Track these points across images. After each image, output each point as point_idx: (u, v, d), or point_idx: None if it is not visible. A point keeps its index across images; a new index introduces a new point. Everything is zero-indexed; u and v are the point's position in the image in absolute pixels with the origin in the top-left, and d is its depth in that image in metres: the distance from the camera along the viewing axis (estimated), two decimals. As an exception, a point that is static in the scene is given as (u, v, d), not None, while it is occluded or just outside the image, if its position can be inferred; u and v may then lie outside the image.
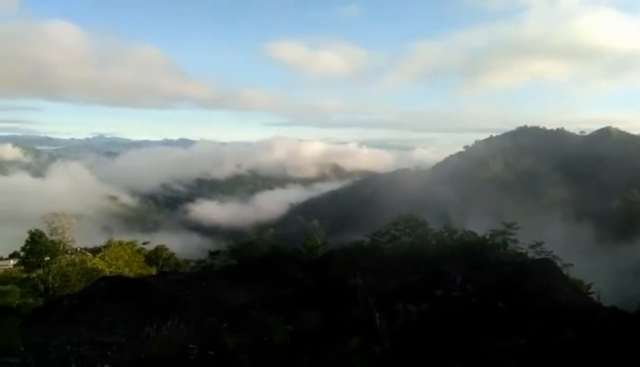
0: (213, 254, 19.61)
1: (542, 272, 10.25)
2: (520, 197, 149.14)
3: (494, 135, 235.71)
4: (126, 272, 33.16)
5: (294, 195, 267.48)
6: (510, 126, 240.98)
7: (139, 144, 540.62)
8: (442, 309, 8.11)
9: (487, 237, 13.67)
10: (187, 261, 42.35)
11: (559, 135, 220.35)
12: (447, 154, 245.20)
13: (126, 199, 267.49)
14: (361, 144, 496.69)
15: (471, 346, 6.86)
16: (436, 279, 9.84)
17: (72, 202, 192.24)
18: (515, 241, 13.51)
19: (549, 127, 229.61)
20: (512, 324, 7.42)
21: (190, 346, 9.02)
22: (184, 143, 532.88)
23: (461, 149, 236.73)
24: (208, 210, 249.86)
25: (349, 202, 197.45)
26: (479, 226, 15.18)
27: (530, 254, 12.83)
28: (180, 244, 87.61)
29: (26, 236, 41.26)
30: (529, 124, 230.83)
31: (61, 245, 37.94)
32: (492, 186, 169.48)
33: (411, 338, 7.15)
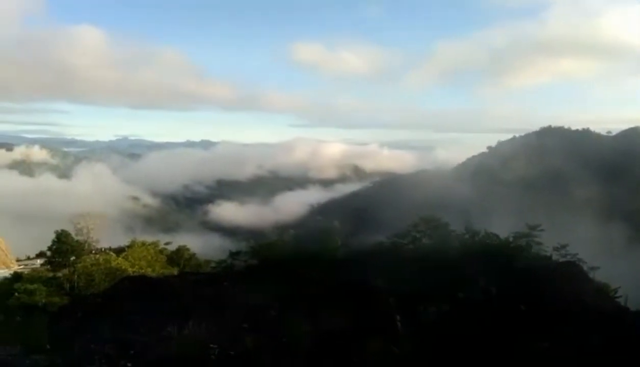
0: (234, 254, 19.70)
1: (567, 275, 10.04)
2: (545, 198, 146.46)
3: (518, 135, 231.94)
4: (149, 272, 33.65)
5: (314, 196, 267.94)
6: (534, 126, 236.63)
7: (161, 146, 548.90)
8: (464, 312, 8.00)
9: (511, 239, 13.43)
10: (207, 262, 42.75)
11: (585, 135, 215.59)
12: (469, 155, 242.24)
13: (148, 199, 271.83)
14: (382, 144, 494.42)
15: (494, 348, 6.75)
16: (458, 281, 9.71)
17: (96, 202, 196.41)
18: (539, 244, 13.25)
19: (574, 127, 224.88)
20: (535, 327, 7.28)
21: (211, 345, 9.09)
22: (206, 145, 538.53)
23: (484, 150, 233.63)
24: (228, 211, 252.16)
25: (370, 203, 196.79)
26: (502, 227, 14.92)
27: (555, 257, 12.57)
28: (200, 245, 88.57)
29: (52, 236, 42.20)
30: (554, 124, 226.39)
31: (86, 245, 38.71)
32: (516, 187, 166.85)
33: (432, 340, 7.07)
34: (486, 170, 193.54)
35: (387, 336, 7.05)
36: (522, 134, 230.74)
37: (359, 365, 6.76)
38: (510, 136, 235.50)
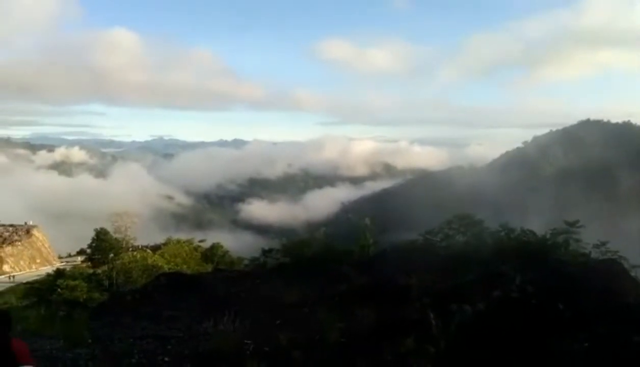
0: (266, 252, 19.90)
1: (608, 273, 9.71)
2: (584, 194, 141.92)
3: (554, 129, 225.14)
4: (184, 268, 34.43)
5: (344, 194, 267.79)
6: (572, 120, 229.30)
7: (195, 145, 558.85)
8: (500, 310, 7.85)
9: (548, 236, 13.07)
10: (241, 259, 43.39)
11: (626, 128, 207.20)
12: (503, 151, 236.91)
13: (182, 198, 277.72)
14: (413, 141, 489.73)
15: (531, 348, 6.61)
16: (493, 279, 9.53)
17: (131, 201, 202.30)
18: (578, 241, 12.84)
19: (614, 120, 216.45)
20: (574, 326, 7.08)
21: (245, 341, 9.23)
22: (238, 144, 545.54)
23: (519, 145, 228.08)
24: (260, 209, 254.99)
25: (401, 200, 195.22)
26: (538, 224, 14.56)
27: (595, 255, 12.17)
28: (233, 242, 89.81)
29: (88, 233, 43.73)
30: (592, 117, 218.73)
31: (124, 242, 39.93)
32: (553, 182, 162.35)
33: (467, 339, 6.98)
34: (522, 166, 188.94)
35: (421, 334, 6.99)
36: (559, 127, 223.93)
37: (393, 364, 6.73)
38: (546, 130, 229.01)
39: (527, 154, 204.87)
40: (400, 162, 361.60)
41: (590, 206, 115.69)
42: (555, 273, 9.46)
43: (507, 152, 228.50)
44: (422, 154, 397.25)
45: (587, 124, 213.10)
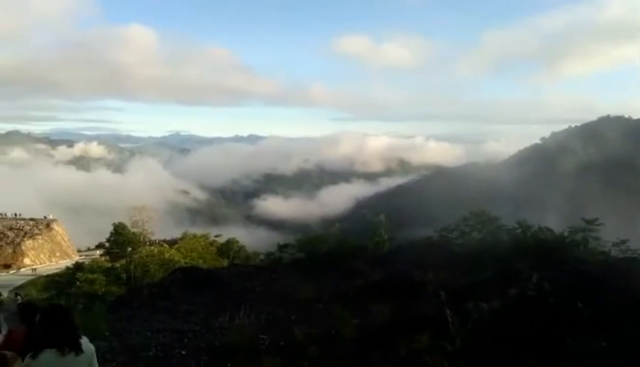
0: (282, 247, 20.03)
1: (628, 272, 9.55)
2: (603, 192, 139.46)
3: (573, 126, 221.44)
4: (200, 263, 34.75)
5: (359, 190, 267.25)
6: (591, 116, 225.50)
7: (211, 141, 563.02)
8: (517, 308, 7.78)
9: (566, 234, 12.90)
10: (256, 254, 43.63)
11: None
12: (521, 147, 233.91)
13: (197, 193, 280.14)
14: (428, 137, 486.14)
15: (548, 347, 6.55)
16: (509, 277, 9.44)
17: (147, 196, 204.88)
18: (597, 239, 12.67)
19: (635, 117, 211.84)
20: (593, 325, 7.00)
21: (261, 336, 9.31)
22: (254, 139, 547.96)
23: (537, 141, 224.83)
24: (275, 204, 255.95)
25: (417, 196, 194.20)
26: (556, 222, 14.40)
27: (614, 253, 11.99)
28: (248, 238, 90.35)
29: (105, 227, 44.38)
30: (612, 113, 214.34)
31: (141, 237, 40.43)
32: (572, 180, 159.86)
33: (484, 337, 6.94)
34: (540, 162, 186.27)
35: (437, 331, 6.97)
36: (578, 124, 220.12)
37: (408, 360, 6.73)
38: (565, 127, 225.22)
39: (546, 150, 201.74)
40: (415, 158, 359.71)
41: (609, 204, 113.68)
42: (574, 271, 9.34)
43: (524, 148, 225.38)
44: (437, 150, 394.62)
45: (607, 120, 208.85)
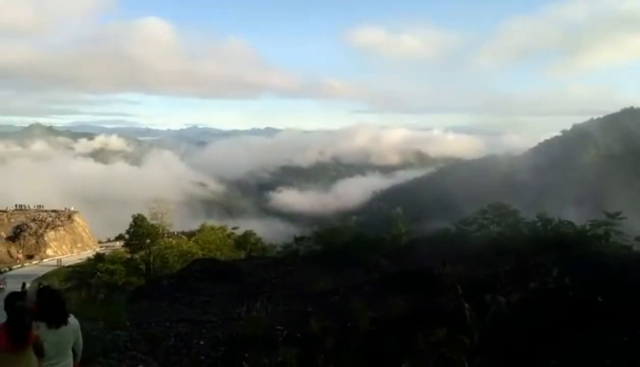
0: (298, 239, 20.12)
1: (652, 266, 9.34)
2: (626, 185, 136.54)
3: (595, 118, 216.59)
4: (217, 255, 35.09)
5: (376, 182, 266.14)
6: (614, 108, 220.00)
7: (228, 134, 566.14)
8: (536, 302, 7.68)
9: (587, 227, 12.68)
10: (273, 246, 43.84)
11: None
12: (541, 139, 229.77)
13: (214, 186, 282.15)
14: (446, 129, 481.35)
15: (569, 341, 6.45)
16: (529, 271, 9.33)
17: (164, 188, 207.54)
18: (619, 233, 12.42)
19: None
20: (614, 320, 6.87)
21: (278, 327, 9.37)
22: (270, 132, 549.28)
23: (557, 134, 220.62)
24: (292, 197, 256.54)
25: (434, 189, 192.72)
26: (577, 215, 14.16)
27: (636, 247, 11.75)
28: (264, 230, 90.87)
29: (123, 219, 44.92)
30: (636, 105, 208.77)
31: (160, 229, 40.90)
32: (592, 173, 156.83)
33: (503, 331, 6.87)
34: (561, 155, 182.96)
35: (455, 325, 6.92)
36: (601, 116, 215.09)
37: (425, 354, 6.70)
38: (587, 118, 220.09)
39: (567, 142, 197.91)
40: (433, 151, 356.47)
41: (632, 197, 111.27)
42: (595, 265, 9.18)
43: (545, 141, 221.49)
44: (455, 143, 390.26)
45: (630, 112, 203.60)
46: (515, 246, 12.31)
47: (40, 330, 4.44)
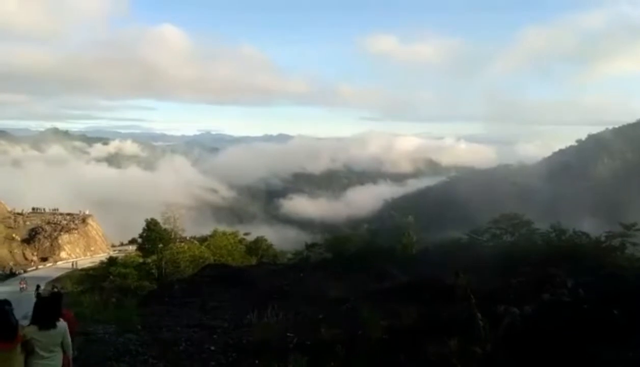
0: (310, 246, 20.12)
1: (669, 280, 9.18)
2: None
3: (610, 128, 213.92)
4: (229, 260, 35.14)
5: (388, 190, 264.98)
6: (630, 117, 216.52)
7: (240, 140, 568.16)
8: (550, 314, 7.59)
9: (603, 239, 12.53)
10: (284, 253, 43.82)
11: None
12: (555, 149, 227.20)
13: (225, 191, 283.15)
14: (458, 138, 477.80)
15: (582, 354, 6.36)
16: (543, 282, 9.22)
17: (175, 193, 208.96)
18: (635, 244, 12.25)
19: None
20: (630, 334, 6.76)
21: (288, 334, 9.36)
22: (283, 138, 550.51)
23: (572, 143, 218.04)
24: (303, 204, 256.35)
25: (446, 198, 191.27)
26: (592, 227, 13.99)
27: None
28: (275, 236, 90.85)
29: (135, 223, 45.13)
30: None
31: (173, 233, 41.05)
32: (609, 184, 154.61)
33: (515, 342, 6.79)
34: (575, 166, 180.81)
35: (467, 335, 6.86)
36: (616, 125, 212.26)
37: (437, 364, 6.65)
38: (602, 128, 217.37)
39: (582, 152, 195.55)
40: (445, 160, 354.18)
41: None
42: (610, 278, 9.05)
43: (560, 151, 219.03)
44: (468, 152, 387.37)
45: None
46: (529, 257, 12.19)
47: (33, 331, 5.37)
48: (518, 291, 9.10)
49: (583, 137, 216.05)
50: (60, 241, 68.35)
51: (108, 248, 76.79)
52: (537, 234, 14.61)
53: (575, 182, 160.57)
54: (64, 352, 5.78)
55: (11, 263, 55.89)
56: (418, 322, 8.64)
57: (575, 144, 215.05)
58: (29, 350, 5.31)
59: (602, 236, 12.61)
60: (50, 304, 5.82)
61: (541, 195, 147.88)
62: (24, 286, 34.33)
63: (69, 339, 5.82)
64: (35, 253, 65.12)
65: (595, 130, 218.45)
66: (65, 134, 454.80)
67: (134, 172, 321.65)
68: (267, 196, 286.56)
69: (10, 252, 60.73)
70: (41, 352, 5.41)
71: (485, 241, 15.84)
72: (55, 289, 30.09)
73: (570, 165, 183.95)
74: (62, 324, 5.76)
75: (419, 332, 7.95)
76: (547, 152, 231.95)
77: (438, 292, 10.27)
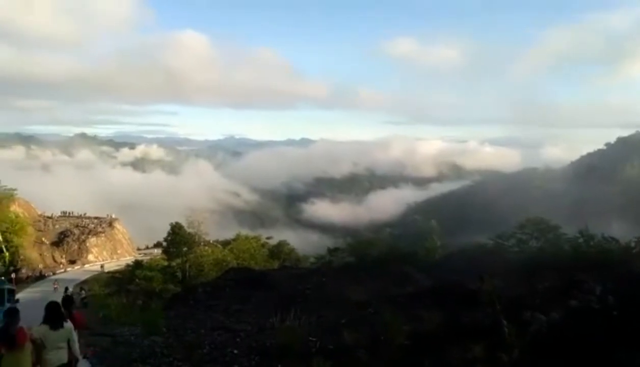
0: (332, 251, 20.11)
1: None
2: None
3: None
4: (252, 264, 35.38)
5: (411, 194, 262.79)
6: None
7: (263, 144, 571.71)
8: (578, 321, 7.42)
9: (632, 244, 12.21)
10: (306, 257, 43.86)
11: None
12: (583, 152, 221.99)
13: (247, 195, 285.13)
14: (483, 141, 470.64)
15: (612, 362, 6.20)
16: (570, 288, 9.03)
17: (198, 197, 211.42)
18: (667, 251, 11.90)
19: None
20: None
21: (311, 338, 9.37)
22: (305, 143, 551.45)
23: (600, 147, 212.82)
24: (325, 208, 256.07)
25: (470, 202, 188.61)
26: (621, 232, 13.63)
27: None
28: (297, 240, 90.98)
29: (159, 226, 45.80)
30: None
31: (197, 237, 41.55)
32: (638, 188, 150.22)
33: (542, 349, 6.66)
34: (603, 169, 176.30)
35: (492, 341, 6.76)
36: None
37: (460, 369, 6.57)
38: (632, 131, 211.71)
39: (610, 155, 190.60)
40: (469, 163, 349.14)
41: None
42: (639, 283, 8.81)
43: (588, 154, 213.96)
44: (492, 155, 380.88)
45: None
46: (556, 262, 11.96)
47: (44, 330, 6.28)
48: (544, 297, 8.93)
49: (611, 139, 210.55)
50: (88, 244, 69.83)
51: (134, 251, 78.15)
52: (564, 240, 14.31)
53: (604, 186, 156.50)
54: (70, 348, 6.68)
55: (41, 265, 57.32)
56: (441, 327, 8.55)
57: (604, 147, 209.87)
58: (39, 346, 6.20)
59: (632, 241, 12.29)
60: (58, 308, 6.73)
61: (568, 199, 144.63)
62: (57, 286, 36.09)
63: (75, 338, 6.75)
64: (64, 256, 66.64)
65: (624, 133, 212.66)
66: (94, 139, 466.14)
67: (158, 176, 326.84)
68: (289, 200, 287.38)
69: (40, 255, 62.31)
70: (50, 348, 6.35)
71: (511, 246, 15.59)
72: (83, 292, 30.87)
73: (598, 168, 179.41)
74: (68, 324, 6.70)
75: (442, 338, 7.87)
76: (573, 156, 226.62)
77: (462, 298, 10.15)
